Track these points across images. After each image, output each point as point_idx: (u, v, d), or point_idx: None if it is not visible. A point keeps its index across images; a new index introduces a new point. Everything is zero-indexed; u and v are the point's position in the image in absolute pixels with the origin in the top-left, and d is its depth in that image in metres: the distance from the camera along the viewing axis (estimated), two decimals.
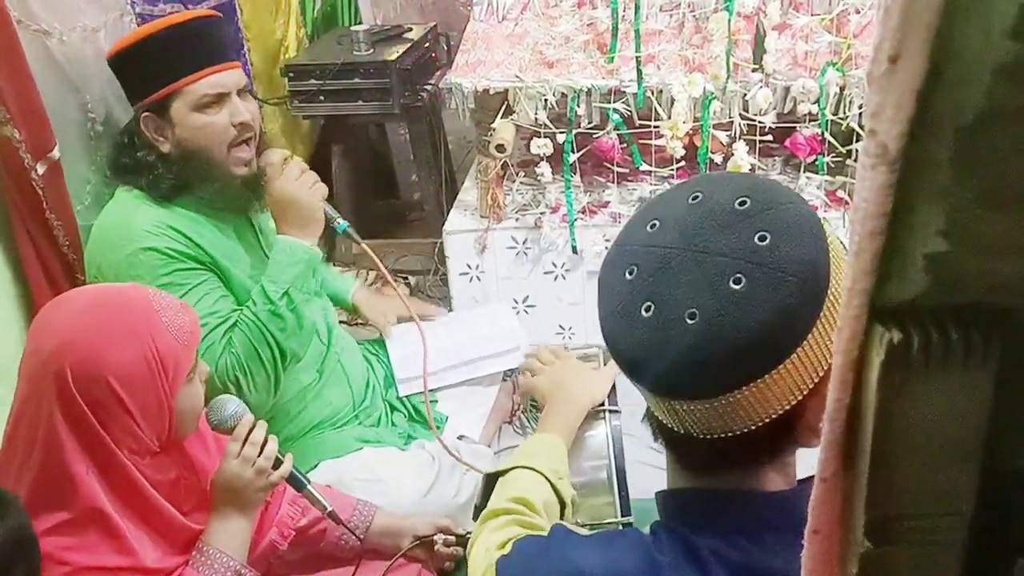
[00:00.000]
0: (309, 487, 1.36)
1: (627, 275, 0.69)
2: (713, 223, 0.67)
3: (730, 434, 0.69)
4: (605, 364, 1.35)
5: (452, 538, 1.56)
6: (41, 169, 1.59)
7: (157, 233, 1.58)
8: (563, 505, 1.08)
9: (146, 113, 1.62)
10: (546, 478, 1.07)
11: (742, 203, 0.68)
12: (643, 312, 0.67)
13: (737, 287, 0.64)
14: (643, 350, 0.67)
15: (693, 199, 0.69)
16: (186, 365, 1.20)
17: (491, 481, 1.11)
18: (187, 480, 1.30)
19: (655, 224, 0.70)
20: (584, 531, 0.89)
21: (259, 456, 1.27)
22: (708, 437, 0.70)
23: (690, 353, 0.65)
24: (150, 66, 1.60)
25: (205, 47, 1.62)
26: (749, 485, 0.75)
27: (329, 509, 1.36)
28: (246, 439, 1.28)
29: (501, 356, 2.03)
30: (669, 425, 0.72)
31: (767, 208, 0.67)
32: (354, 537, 1.51)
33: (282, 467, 1.30)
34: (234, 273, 1.67)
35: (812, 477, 0.77)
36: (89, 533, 1.13)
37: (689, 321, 0.65)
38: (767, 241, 0.65)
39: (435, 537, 1.56)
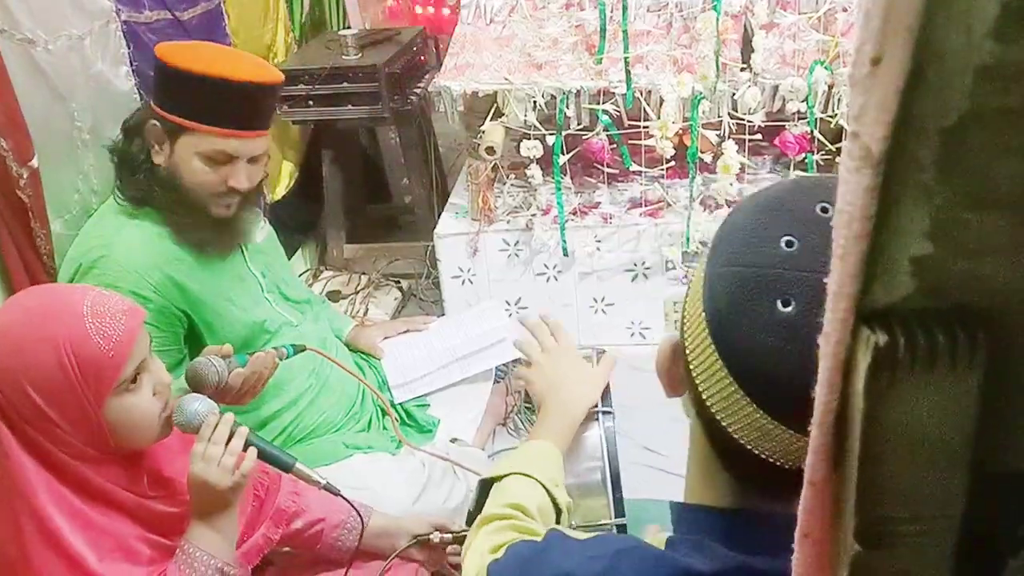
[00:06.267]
0: (298, 466, 1.32)
1: (781, 306, 0.61)
2: None
3: None
4: (598, 364, 1.34)
5: (448, 536, 1.55)
6: (24, 177, 1.59)
7: (129, 270, 1.57)
8: (559, 512, 1.07)
9: (155, 122, 1.60)
10: (542, 485, 1.06)
11: None
12: None
13: None
14: None
15: (823, 211, 0.62)
16: (112, 376, 1.14)
17: (486, 487, 1.10)
18: (164, 490, 1.28)
19: (791, 242, 0.62)
20: (579, 534, 0.87)
21: (225, 453, 1.23)
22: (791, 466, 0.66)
23: None
24: (195, 96, 1.56)
25: (250, 111, 1.61)
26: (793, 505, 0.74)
27: (324, 483, 1.33)
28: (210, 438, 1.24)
29: (489, 349, 2.03)
30: (781, 463, 0.66)
31: None
32: (355, 524, 1.50)
33: (245, 462, 1.25)
34: (216, 306, 1.68)
35: None
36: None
37: None
38: None
39: (431, 536, 1.56)
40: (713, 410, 0.68)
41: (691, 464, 0.79)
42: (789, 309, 0.61)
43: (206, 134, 1.58)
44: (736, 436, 0.67)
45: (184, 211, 1.63)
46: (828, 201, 0.62)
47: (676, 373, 0.75)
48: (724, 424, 0.68)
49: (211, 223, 1.65)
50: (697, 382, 0.69)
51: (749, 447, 0.67)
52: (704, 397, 0.69)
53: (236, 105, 1.58)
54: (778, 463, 0.66)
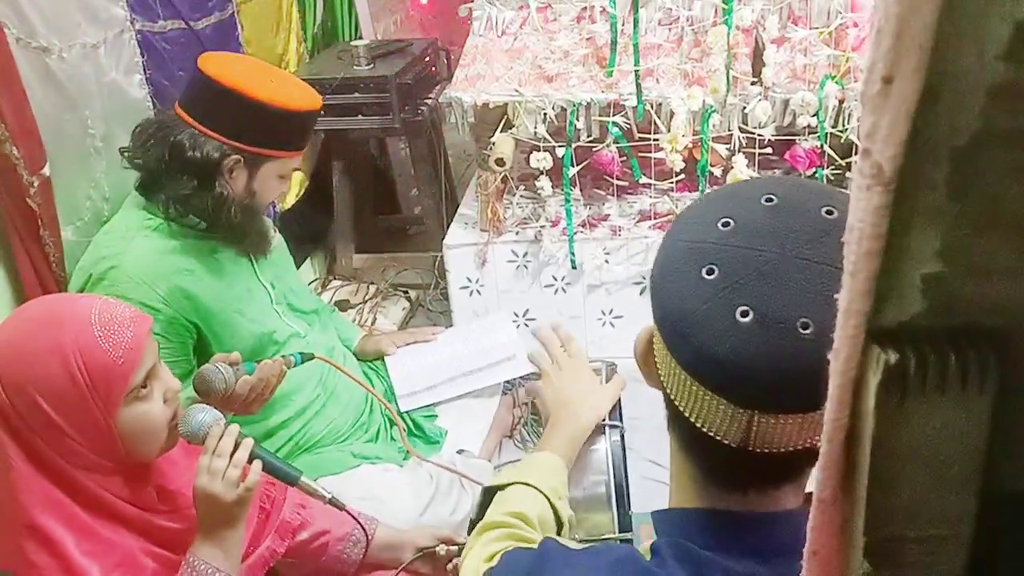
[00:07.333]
0: (303, 479, 1.30)
1: (705, 274, 0.67)
2: (809, 230, 0.66)
3: (792, 448, 0.68)
4: (608, 380, 1.34)
5: (454, 548, 1.54)
6: (35, 186, 1.60)
7: (138, 281, 1.58)
8: (560, 525, 1.07)
9: (237, 156, 1.64)
10: (545, 496, 1.06)
11: (829, 212, 0.66)
12: (739, 317, 0.64)
13: None
14: (749, 358, 0.65)
15: (767, 201, 0.68)
16: (123, 384, 1.14)
17: (488, 494, 1.10)
18: (171, 504, 1.27)
19: (728, 223, 0.68)
20: (574, 543, 0.88)
21: (229, 466, 1.22)
22: (765, 451, 0.68)
23: (807, 364, 0.62)
24: (280, 128, 1.68)
25: (310, 132, 1.82)
26: (768, 506, 0.74)
27: (329, 497, 1.32)
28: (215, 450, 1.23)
29: (498, 365, 2.03)
30: (721, 437, 0.69)
31: None
32: (360, 536, 1.49)
33: (250, 475, 1.23)
34: (225, 316, 1.68)
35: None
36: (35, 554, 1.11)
37: (803, 331, 0.63)
38: None
39: (437, 548, 1.55)
40: (665, 384, 0.73)
41: (670, 467, 0.82)
42: (712, 276, 0.67)
43: (287, 158, 1.73)
44: (681, 408, 0.71)
45: (246, 225, 1.71)
46: (773, 194, 0.69)
47: (651, 359, 0.78)
48: (673, 398, 0.72)
49: (254, 228, 1.75)
50: (656, 359, 0.75)
51: (690, 417, 0.71)
52: (660, 374, 0.74)
53: (308, 128, 1.78)
54: (717, 437, 0.69)
